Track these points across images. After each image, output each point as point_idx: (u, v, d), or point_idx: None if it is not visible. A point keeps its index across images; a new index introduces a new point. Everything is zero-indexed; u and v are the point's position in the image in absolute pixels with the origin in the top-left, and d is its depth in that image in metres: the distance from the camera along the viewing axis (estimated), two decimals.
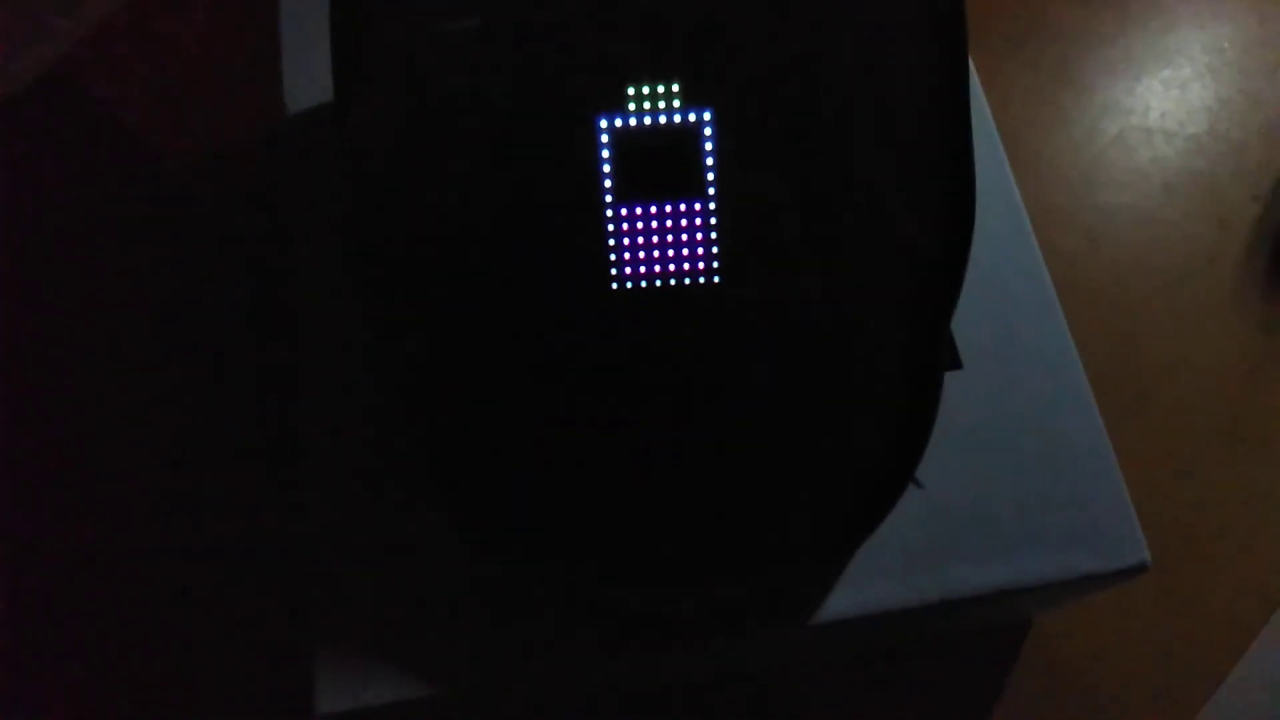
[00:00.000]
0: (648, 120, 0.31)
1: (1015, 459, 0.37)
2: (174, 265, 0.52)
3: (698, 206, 0.31)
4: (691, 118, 0.31)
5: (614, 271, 0.31)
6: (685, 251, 0.32)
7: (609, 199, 0.31)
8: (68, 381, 0.50)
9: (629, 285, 0.32)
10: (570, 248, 0.32)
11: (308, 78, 0.42)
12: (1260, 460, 0.50)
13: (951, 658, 0.46)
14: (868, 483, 0.34)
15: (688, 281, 0.32)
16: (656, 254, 0.32)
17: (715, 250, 0.32)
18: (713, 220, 0.32)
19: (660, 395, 0.33)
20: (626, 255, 0.32)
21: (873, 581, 0.35)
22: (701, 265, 0.32)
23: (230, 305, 0.51)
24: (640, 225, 0.32)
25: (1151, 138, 0.57)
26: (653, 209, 0.31)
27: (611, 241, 0.32)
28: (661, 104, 0.31)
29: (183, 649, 0.45)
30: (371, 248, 0.33)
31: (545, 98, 0.32)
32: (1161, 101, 0.58)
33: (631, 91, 0.31)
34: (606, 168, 0.31)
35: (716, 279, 0.32)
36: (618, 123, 0.31)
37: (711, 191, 0.31)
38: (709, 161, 0.31)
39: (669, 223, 0.32)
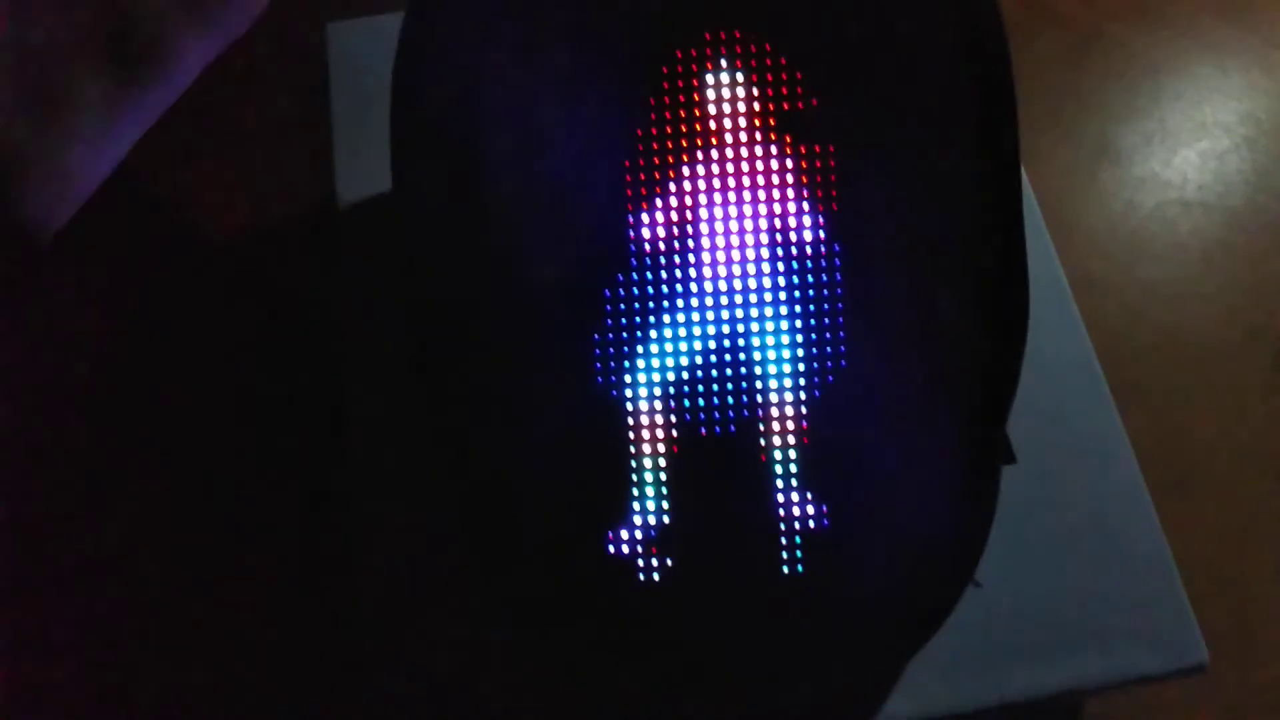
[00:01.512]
0: None
1: (1071, 557, 0.37)
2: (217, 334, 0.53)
3: None
4: None
5: None
6: None
7: None
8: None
9: None
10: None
11: (360, 173, 0.42)
12: None
13: None
14: (928, 585, 0.34)
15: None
16: None
17: None
18: None
19: (721, 500, 0.33)
20: None
21: (929, 686, 0.35)
22: None
23: (273, 394, 0.51)
24: None
25: (1190, 210, 0.57)
26: None
27: None
28: None
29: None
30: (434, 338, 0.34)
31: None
32: (1199, 174, 0.58)
33: None
34: None
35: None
36: None
37: None
38: None
39: None
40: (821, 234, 0.32)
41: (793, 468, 0.32)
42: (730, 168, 0.32)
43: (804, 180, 0.32)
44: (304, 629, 0.47)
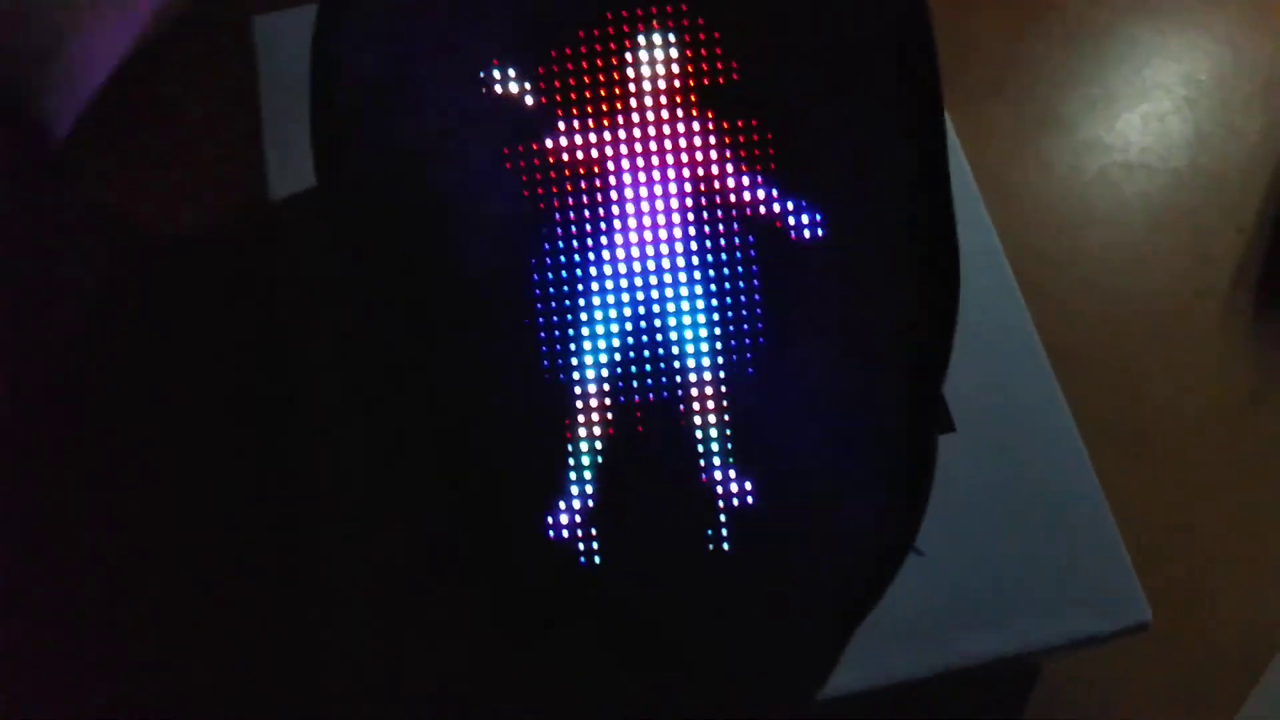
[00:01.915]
0: None
1: (1012, 522, 0.37)
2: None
3: None
4: None
5: None
6: None
7: None
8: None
9: None
10: None
11: (292, 169, 0.42)
12: (1261, 495, 0.50)
13: (959, 705, 0.46)
14: (869, 554, 0.34)
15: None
16: None
17: None
18: None
19: (652, 480, 0.33)
20: None
21: (876, 655, 0.35)
22: None
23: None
24: None
25: (1133, 173, 0.57)
26: None
27: None
28: None
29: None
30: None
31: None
32: (1142, 137, 0.58)
33: None
34: None
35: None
36: None
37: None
38: None
39: None
40: (742, 207, 0.32)
41: (716, 445, 0.32)
42: (653, 143, 0.32)
43: (725, 154, 0.32)
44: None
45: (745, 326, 0.32)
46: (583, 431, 0.33)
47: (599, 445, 0.33)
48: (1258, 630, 0.47)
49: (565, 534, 0.33)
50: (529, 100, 0.32)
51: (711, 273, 0.32)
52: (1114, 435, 0.51)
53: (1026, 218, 0.56)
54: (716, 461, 0.32)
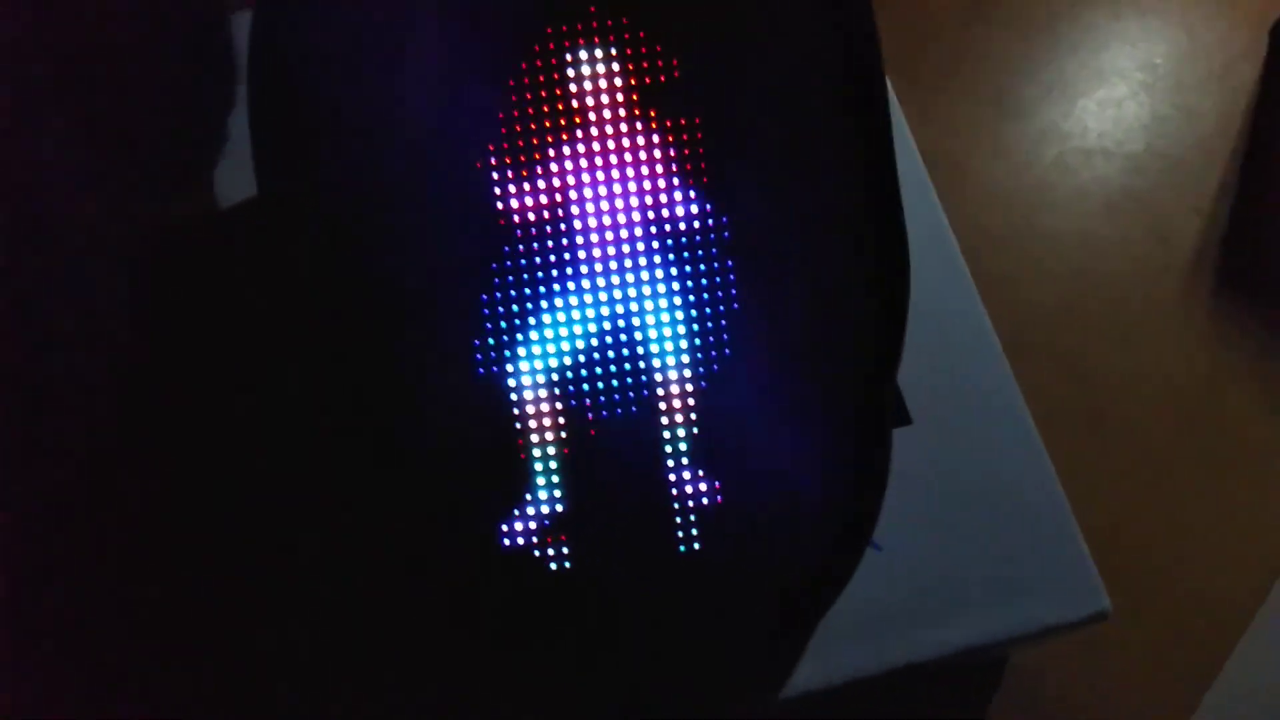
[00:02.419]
0: None
1: (970, 516, 0.37)
2: None
3: None
4: None
5: None
6: None
7: None
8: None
9: None
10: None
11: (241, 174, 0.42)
12: (1219, 471, 0.50)
13: (931, 695, 0.46)
14: (826, 552, 0.34)
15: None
16: None
17: None
18: None
19: (615, 484, 0.33)
20: None
21: (837, 652, 0.35)
22: None
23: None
24: None
25: (1091, 158, 0.57)
26: None
27: None
28: None
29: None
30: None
31: None
32: (1098, 122, 0.58)
33: None
34: None
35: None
36: None
37: None
38: None
39: None
40: (695, 208, 0.32)
41: (682, 445, 0.32)
42: (597, 145, 0.32)
43: (673, 153, 0.32)
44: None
45: (700, 328, 0.32)
46: (537, 438, 0.33)
47: (560, 452, 0.33)
48: (1220, 610, 0.48)
49: (530, 540, 0.33)
50: (477, 108, 0.32)
51: (665, 276, 0.32)
52: (1071, 417, 0.51)
53: (984, 205, 0.56)
54: (682, 462, 0.32)
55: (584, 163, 0.32)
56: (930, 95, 0.58)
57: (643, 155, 0.32)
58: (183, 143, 0.52)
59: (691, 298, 0.32)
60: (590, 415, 0.33)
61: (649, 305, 0.33)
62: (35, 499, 0.47)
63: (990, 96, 0.59)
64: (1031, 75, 0.60)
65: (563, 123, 0.32)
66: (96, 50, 0.46)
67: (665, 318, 0.33)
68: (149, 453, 0.48)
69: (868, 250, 0.33)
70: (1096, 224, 0.56)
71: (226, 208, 0.43)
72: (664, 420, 0.33)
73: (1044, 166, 0.57)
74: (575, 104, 0.32)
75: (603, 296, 0.32)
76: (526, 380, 0.33)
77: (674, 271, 0.33)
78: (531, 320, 0.32)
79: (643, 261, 0.33)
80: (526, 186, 0.32)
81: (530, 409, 0.33)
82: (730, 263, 0.33)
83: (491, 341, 0.32)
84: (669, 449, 0.33)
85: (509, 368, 0.32)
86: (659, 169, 0.32)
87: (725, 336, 0.32)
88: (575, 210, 0.33)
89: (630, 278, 0.33)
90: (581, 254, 0.32)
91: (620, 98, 0.32)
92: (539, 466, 0.33)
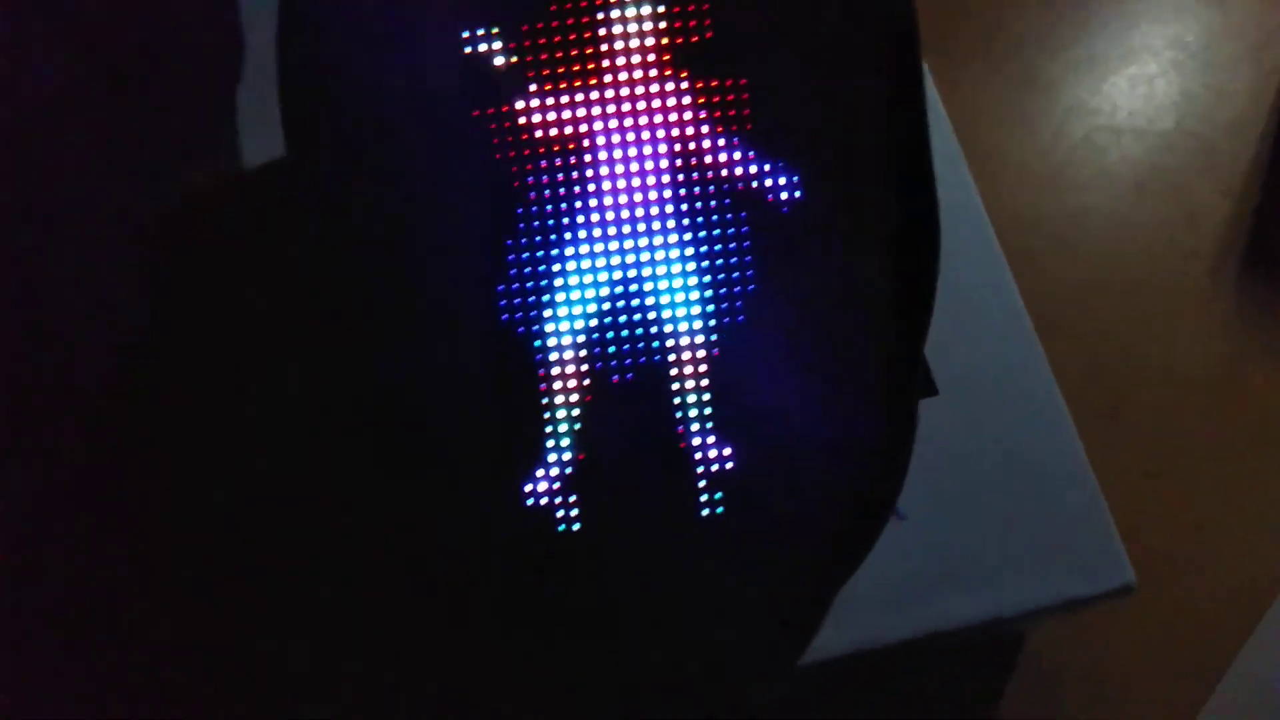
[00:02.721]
0: None
1: (996, 486, 0.37)
2: None
3: None
4: None
5: None
6: None
7: None
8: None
9: None
10: None
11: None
12: (1241, 456, 0.50)
13: (948, 668, 0.46)
14: (849, 519, 0.34)
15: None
16: None
17: None
18: None
19: (634, 446, 0.33)
20: None
21: (858, 619, 0.35)
22: None
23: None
24: None
25: (1120, 137, 0.57)
26: None
27: None
28: None
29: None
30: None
31: None
32: (1128, 100, 0.58)
33: None
34: None
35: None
36: None
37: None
38: None
39: None
40: (724, 170, 0.32)
41: (698, 410, 0.32)
42: (630, 105, 0.32)
43: (701, 114, 0.32)
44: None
45: (725, 290, 0.32)
46: (560, 398, 0.32)
47: (577, 411, 0.32)
48: (1241, 594, 0.47)
49: (543, 501, 0.33)
50: (503, 61, 0.31)
51: (692, 235, 0.32)
52: (1094, 397, 0.51)
53: (1012, 182, 0.56)
54: (698, 426, 0.32)
55: (612, 108, 0.32)
56: (960, 71, 0.58)
57: (674, 115, 0.32)
58: (192, 117, 0.52)
59: (713, 261, 0.32)
60: (613, 377, 0.33)
61: (674, 263, 0.32)
62: (36, 496, 0.47)
63: (1019, 73, 0.58)
64: (1061, 53, 0.59)
65: (593, 66, 0.32)
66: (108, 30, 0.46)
67: (686, 280, 0.32)
68: (152, 446, 0.48)
69: (897, 216, 0.33)
70: (1124, 203, 0.55)
71: (238, 178, 0.43)
72: (687, 383, 0.33)
73: (1072, 144, 0.57)
74: (607, 47, 0.32)
75: (628, 246, 0.32)
76: (552, 340, 0.32)
77: (700, 234, 0.32)
78: (556, 268, 0.32)
79: (673, 224, 0.32)
80: (554, 125, 0.32)
81: (554, 367, 0.33)
82: (757, 225, 0.32)
83: (515, 288, 0.32)
84: (691, 412, 0.33)
85: (535, 325, 0.32)
86: (689, 130, 0.32)
87: (747, 300, 0.32)
88: (604, 155, 0.32)
89: (654, 240, 0.32)
90: (609, 200, 0.32)
91: (653, 51, 0.32)
92: (561, 427, 0.33)
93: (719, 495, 0.33)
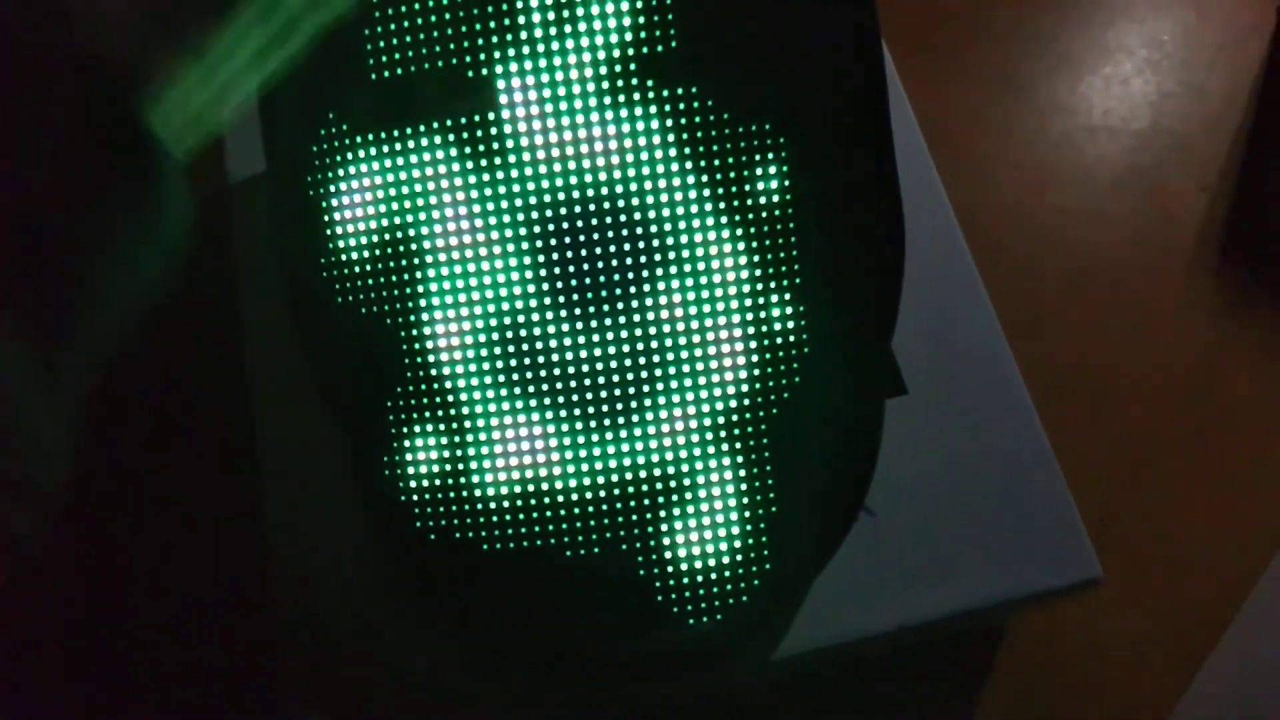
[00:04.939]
0: None
1: (961, 481, 0.37)
2: None
3: None
4: None
5: None
6: None
7: None
8: None
9: None
10: None
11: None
12: (1218, 452, 0.50)
13: (927, 665, 0.47)
14: (818, 515, 0.34)
15: None
16: None
17: None
18: None
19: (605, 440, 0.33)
20: None
21: (827, 615, 0.35)
22: None
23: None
24: None
25: (1096, 136, 0.57)
26: None
27: None
28: None
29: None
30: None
31: None
32: (1104, 99, 0.58)
33: None
34: None
35: None
36: None
37: None
38: None
39: None
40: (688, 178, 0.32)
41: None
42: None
43: (667, 124, 0.32)
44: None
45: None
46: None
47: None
48: (1218, 589, 0.48)
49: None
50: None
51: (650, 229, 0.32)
52: (1073, 393, 0.51)
53: (987, 181, 0.56)
54: None
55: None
56: (935, 71, 0.58)
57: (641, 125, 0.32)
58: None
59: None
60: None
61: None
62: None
63: (995, 73, 0.59)
64: (1037, 52, 0.60)
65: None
66: None
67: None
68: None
69: (859, 210, 0.33)
70: (1101, 201, 0.56)
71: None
72: None
73: (1048, 143, 0.57)
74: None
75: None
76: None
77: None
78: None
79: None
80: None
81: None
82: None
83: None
84: None
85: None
86: (655, 138, 0.32)
87: None
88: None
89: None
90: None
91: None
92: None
93: None
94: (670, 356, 0.32)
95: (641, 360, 0.32)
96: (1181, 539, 0.49)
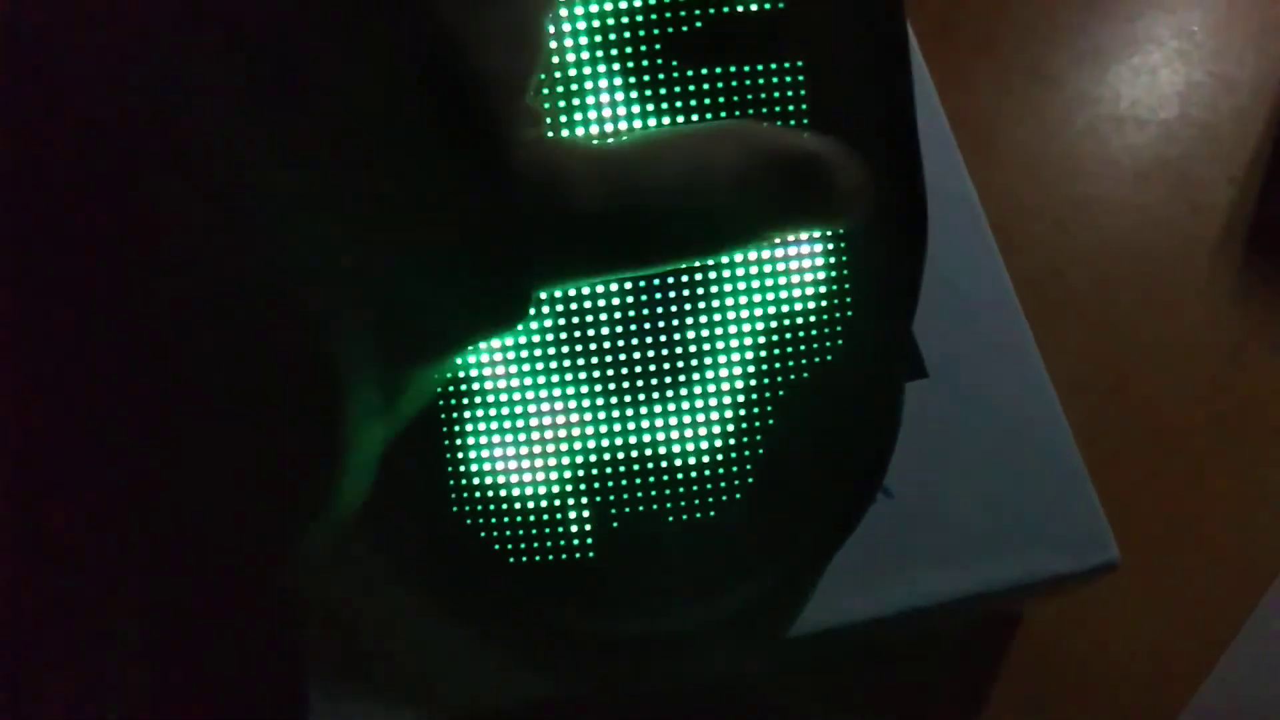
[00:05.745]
0: None
1: (980, 465, 0.37)
2: None
3: None
4: None
5: None
6: None
7: None
8: None
9: None
10: None
11: None
12: (1241, 443, 0.50)
13: (941, 655, 0.47)
14: (837, 495, 0.34)
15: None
16: None
17: None
18: None
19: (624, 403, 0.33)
20: None
21: (841, 594, 0.35)
22: None
23: None
24: None
25: (1123, 126, 0.57)
26: None
27: None
28: None
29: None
30: None
31: None
32: (1131, 89, 0.58)
33: None
34: None
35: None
36: None
37: None
38: None
39: None
40: None
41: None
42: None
43: (688, 104, 0.32)
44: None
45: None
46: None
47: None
48: (1238, 579, 0.48)
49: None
50: None
51: None
52: (1096, 383, 0.51)
53: (1013, 170, 0.56)
54: None
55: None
56: (961, 61, 0.58)
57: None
58: None
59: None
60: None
61: None
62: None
63: (1021, 64, 0.59)
64: (1064, 43, 0.59)
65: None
66: None
67: None
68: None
69: (883, 192, 0.33)
70: (1127, 191, 0.56)
71: None
72: None
73: (1075, 133, 0.57)
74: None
75: None
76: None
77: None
78: None
79: None
80: None
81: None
82: None
83: None
84: None
85: None
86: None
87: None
88: None
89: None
90: None
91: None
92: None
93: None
94: (691, 335, 0.33)
95: (676, 337, 0.32)
96: (1202, 529, 0.49)
